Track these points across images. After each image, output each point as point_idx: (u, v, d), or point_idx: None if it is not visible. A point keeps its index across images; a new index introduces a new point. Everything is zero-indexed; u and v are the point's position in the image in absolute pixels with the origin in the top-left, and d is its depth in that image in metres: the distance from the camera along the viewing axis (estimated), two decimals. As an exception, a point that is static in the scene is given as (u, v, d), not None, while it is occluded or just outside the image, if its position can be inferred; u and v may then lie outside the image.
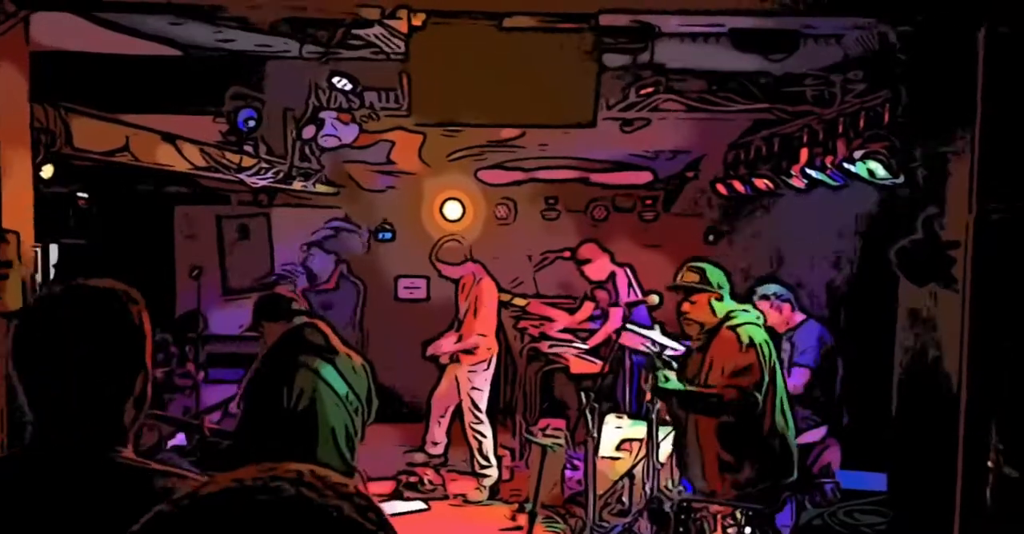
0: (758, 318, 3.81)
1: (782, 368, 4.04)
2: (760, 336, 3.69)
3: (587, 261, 6.66)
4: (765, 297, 5.39)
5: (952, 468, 3.06)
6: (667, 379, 3.76)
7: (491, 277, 6.35)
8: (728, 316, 3.76)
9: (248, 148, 5.01)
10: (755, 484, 3.58)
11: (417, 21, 2.72)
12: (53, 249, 7.03)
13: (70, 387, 1.43)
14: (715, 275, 3.85)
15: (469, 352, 6.16)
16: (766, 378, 3.59)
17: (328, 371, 3.60)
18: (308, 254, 7.06)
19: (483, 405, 6.17)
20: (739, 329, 3.69)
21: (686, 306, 3.84)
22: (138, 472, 1.43)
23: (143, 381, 1.49)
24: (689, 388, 3.77)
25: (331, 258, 6.76)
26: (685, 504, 3.17)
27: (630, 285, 6.56)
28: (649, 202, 7.92)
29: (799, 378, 5.19)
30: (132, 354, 1.48)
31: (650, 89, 4.92)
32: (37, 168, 3.25)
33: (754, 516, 3.11)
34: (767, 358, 3.64)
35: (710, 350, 3.75)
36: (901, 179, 3.96)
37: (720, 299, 3.81)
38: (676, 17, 3.14)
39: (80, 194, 6.82)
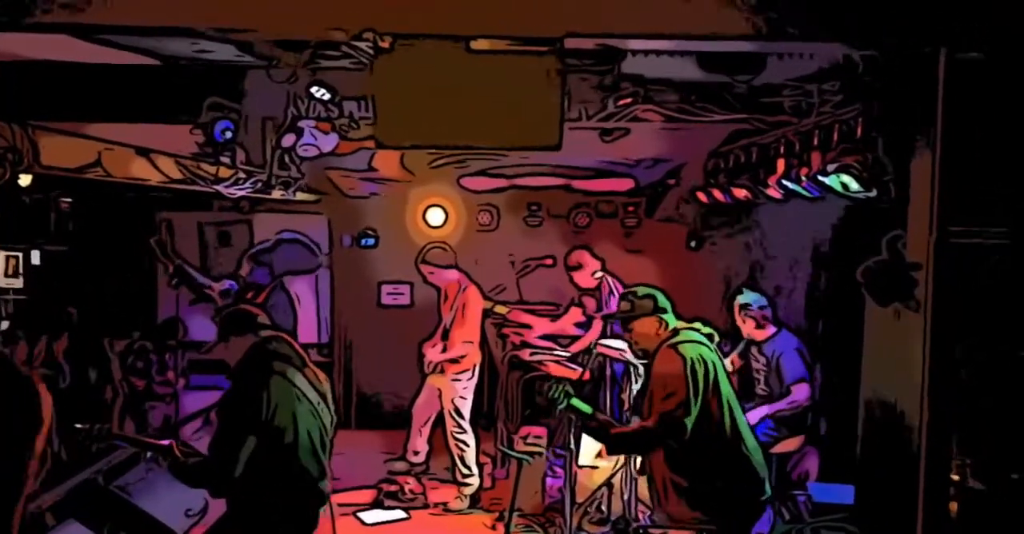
0: (711, 335, 3.64)
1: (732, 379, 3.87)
2: (694, 351, 3.48)
3: (578, 267, 6.66)
4: (743, 307, 5.43)
5: (916, 482, 3.10)
6: (568, 396, 3.55)
7: (475, 285, 6.36)
8: (671, 334, 3.58)
9: (225, 159, 5.00)
10: (718, 505, 3.45)
11: (384, 44, 2.74)
12: (35, 255, 7.00)
13: None
14: (648, 299, 3.66)
15: (455, 361, 6.17)
16: (692, 400, 3.37)
17: (300, 379, 3.63)
18: (251, 265, 6.93)
19: (466, 414, 6.19)
20: (679, 347, 3.49)
21: (627, 336, 3.71)
22: None
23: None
24: (615, 429, 3.63)
25: (265, 271, 6.67)
26: (643, 531, 3.17)
27: (611, 293, 6.57)
28: (631, 209, 7.95)
29: (801, 393, 5.22)
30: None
31: (628, 100, 4.94)
32: (6, 186, 3.23)
33: (708, 536, 3.12)
34: (699, 375, 3.42)
35: (651, 374, 3.59)
36: (874, 193, 3.98)
37: (661, 322, 3.63)
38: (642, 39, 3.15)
39: (64, 198, 6.78)
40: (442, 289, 6.39)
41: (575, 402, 3.54)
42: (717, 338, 3.66)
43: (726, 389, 3.53)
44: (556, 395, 3.50)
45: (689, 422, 3.36)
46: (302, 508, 3.63)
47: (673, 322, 3.65)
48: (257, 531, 3.56)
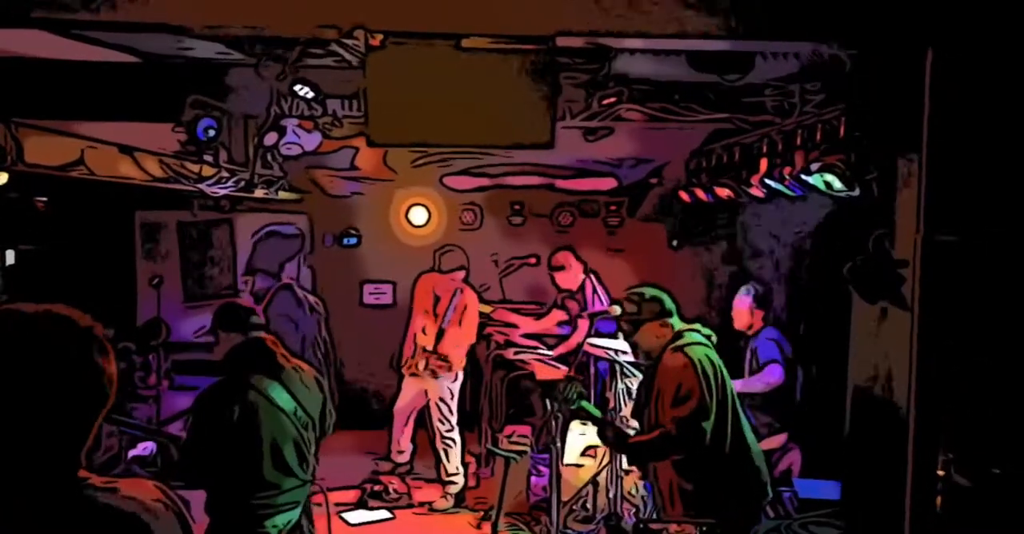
0: (710, 336, 3.61)
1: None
2: (700, 353, 3.44)
3: (560, 268, 6.66)
4: (747, 293, 5.51)
5: (903, 478, 3.14)
6: (581, 397, 3.57)
7: (471, 287, 6.32)
8: (675, 337, 3.54)
9: (208, 157, 4.96)
10: (724, 509, 3.39)
11: (375, 41, 2.72)
12: (10, 255, 6.90)
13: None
14: (655, 301, 3.61)
15: (442, 360, 6.13)
16: (708, 403, 3.34)
17: (273, 388, 3.50)
18: (250, 279, 6.77)
19: (454, 413, 6.17)
20: (685, 349, 3.45)
21: (633, 339, 3.66)
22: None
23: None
24: (633, 438, 3.61)
25: (269, 278, 6.56)
26: (643, 526, 3.17)
27: (595, 293, 6.58)
28: (614, 208, 7.98)
29: (774, 374, 5.26)
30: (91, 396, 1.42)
31: (612, 99, 4.96)
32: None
33: (709, 531, 3.12)
34: (710, 378, 3.39)
35: (656, 378, 3.54)
36: (857, 192, 4.02)
37: (667, 325, 3.59)
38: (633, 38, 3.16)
39: (39, 197, 6.69)
40: (430, 289, 6.31)
41: (585, 404, 3.55)
42: (715, 339, 3.63)
43: (731, 390, 3.51)
44: (570, 395, 3.51)
45: (708, 426, 3.33)
46: (252, 513, 3.53)
47: (678, 325, 3.61)
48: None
